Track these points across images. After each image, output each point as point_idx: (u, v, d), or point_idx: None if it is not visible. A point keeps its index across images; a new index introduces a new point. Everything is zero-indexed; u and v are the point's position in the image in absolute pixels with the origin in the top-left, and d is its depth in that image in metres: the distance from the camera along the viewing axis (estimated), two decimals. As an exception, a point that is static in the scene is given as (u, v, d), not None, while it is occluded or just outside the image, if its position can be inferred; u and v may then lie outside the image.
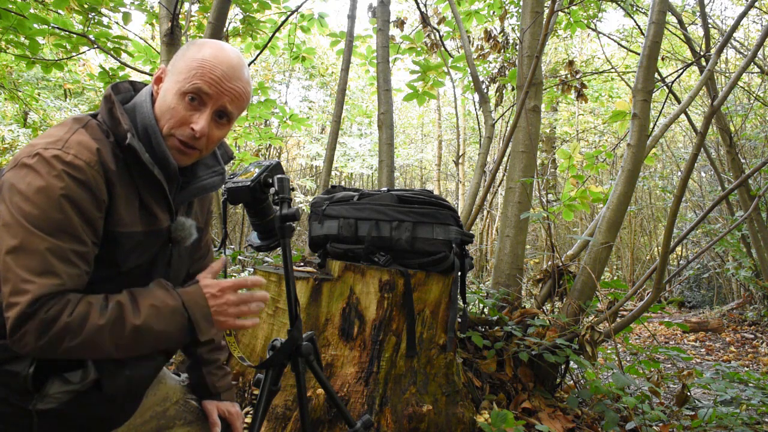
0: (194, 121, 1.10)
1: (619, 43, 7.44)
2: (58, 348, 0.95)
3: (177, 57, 1.14)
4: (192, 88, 1.09)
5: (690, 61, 5.86)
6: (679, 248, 10.66)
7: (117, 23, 4.73)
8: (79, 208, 0.98)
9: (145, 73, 4.50)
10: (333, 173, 12.07)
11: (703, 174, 10.60)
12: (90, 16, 4.13)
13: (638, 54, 3.80)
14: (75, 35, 4.08)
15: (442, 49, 5.61)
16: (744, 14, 3.43)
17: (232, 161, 1.37)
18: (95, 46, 4.14)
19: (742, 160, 7.29)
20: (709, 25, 5.97)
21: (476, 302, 3.17)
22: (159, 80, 1.16)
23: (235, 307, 1.11)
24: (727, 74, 8.25)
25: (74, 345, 0.95)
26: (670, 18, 5.95)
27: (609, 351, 4.00)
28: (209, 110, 1.11)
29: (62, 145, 0.99)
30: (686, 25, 6.50)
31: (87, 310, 0.96)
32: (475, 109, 6.15)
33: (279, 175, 1.33)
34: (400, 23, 6.25)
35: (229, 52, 1.13)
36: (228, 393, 1.42)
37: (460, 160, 11.35)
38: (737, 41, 7.78)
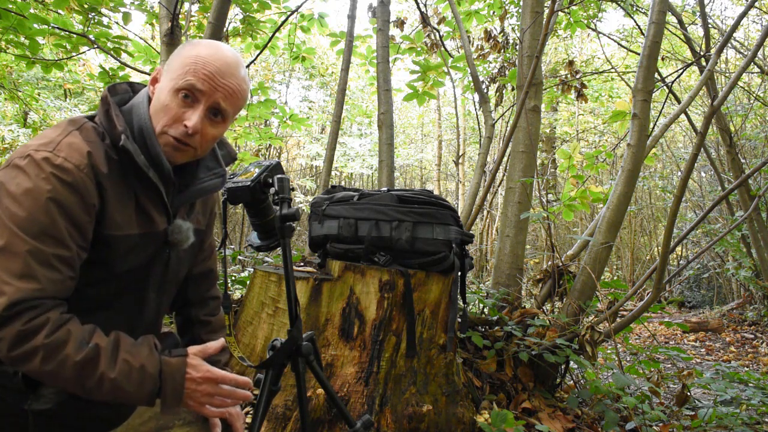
0: (187, 118, 1.10)
1: (619, 43, 7.44)
2: (27, 365, 0.93)
3: (172, 57, 1.14)
4: (185, 85, 1.08)
5: (690, 61, 5.85)
6: (679, 248, 10.66)
7: (117, 23, 4.73)
8: (66, 212, 0.97)
9: (145, 73, 4.50)
10: (333, 173, 12.07)
11: (703, 174, 10.60)
12: (90, 16, 4.13)
13: (638, 54, 3.80)
14: (75, 35, 4.07)
15: (442, 49, 5.61)
16: (744, 14, 3.43)
17: (233, 162, 1.37)
18: (95, 46, 4.14)
19: (742, 160, 7.29)
20: (709, 25, 5.97)
21: (476, 302, 3.17)
22: (155, 81, 1.16)
23: (209, 397, 1.09)
24: (727, 74, 8.25)
25: (45, 369, 0.93)
26: (670, 18, 5.94)
27: (609, 351, 4.00)
28: (202, 107, 1.10)
29: (53, 147, 0.99)
30: (686, 25, 6.50)
31: (65, 338, 0.94)
32: (475, 109, 6.15)
33: (279, 175, 1.32)
34: (400, 23, 6.25)
35: (224, 50, 1.13)
36: None
37: (460, 160, 11.35)
38: (737, 41, 7.78)
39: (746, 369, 3.92)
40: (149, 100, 1.15)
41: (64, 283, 0.98)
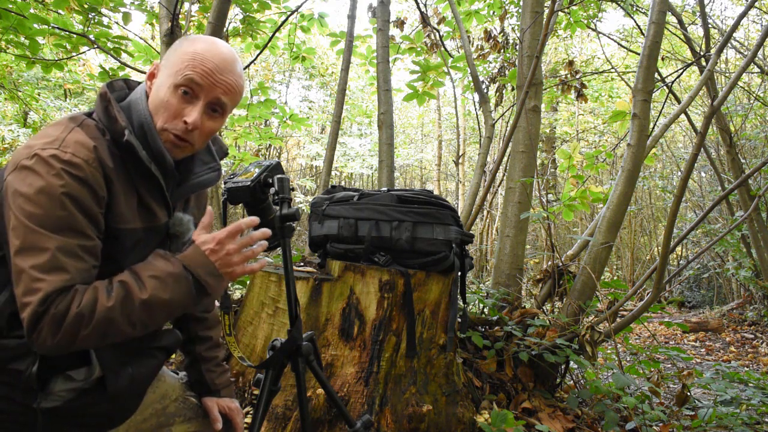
0: (187, 114, 1.10)
1: (619, 43, 7.43)
2: (75, 339, 0.95)
3: (170, 52, 1.15)
4: (184, 80, 1.09)
5: (690, 61, 5.85)
6: (679, 248, 10.66)
7: (117, 23, 4.72)
8: (81, 205, 0.98)
9: (145, 73, 4.50)
10: (333, 173, 12.08)
11: (703, 174, 10.60)
12: (90, 16, 4.13)
13: (638, 54, 3.79)
14: (75, 35, 4.07)
15: (442, 49, 5.61)
16: (744, 14, 3.43)
17: (228, 157, 1.37)
18: (95, 46, 4.14)
19: (742, 160, 7.29)
20: (709, 25, 5.96)
21: (476, 302, 3.17)
22: (152, 76, 1.17)
23: (239, 254, 1.08)
24: (727, 74, 8.25)
25: (90, 332, 0.95)
26: (670, 18, 5.94)
27: (609, 351, 4.00)
28: (202, 102, 1.11)
29: (59, 144, 1.00)
30: (686, 25, 6.49)
31: (94, 295, 0.97)
32: (475, 109, 6.14)
33: (279, 175, 1.33)
34: (400, 23, 6.25)
35: (221, 46, 1.14)
36: (227, 389, 1.42)
37: (460, 160, 11.35)
38: (737, 41, 7.78)
39: (746, 369, 3.92)
40: (147, 95, 1.15)
41: (89, 272, 1.00)
